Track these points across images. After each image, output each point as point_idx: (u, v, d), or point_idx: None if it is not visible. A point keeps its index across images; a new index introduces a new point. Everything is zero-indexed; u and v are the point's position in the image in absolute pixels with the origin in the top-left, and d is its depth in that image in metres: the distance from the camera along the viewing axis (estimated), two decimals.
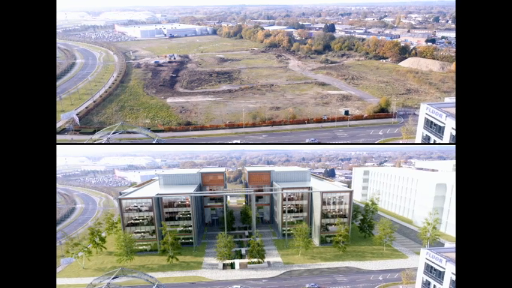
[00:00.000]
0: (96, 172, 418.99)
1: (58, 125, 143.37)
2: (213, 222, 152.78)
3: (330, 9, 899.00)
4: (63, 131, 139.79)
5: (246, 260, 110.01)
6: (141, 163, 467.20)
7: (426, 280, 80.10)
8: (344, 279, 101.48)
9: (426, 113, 78.23)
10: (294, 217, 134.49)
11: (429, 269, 79.23)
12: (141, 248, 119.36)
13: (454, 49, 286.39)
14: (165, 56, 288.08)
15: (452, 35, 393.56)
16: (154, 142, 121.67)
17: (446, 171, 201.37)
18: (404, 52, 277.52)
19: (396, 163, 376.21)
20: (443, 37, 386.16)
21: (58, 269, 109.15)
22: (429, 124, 77.92)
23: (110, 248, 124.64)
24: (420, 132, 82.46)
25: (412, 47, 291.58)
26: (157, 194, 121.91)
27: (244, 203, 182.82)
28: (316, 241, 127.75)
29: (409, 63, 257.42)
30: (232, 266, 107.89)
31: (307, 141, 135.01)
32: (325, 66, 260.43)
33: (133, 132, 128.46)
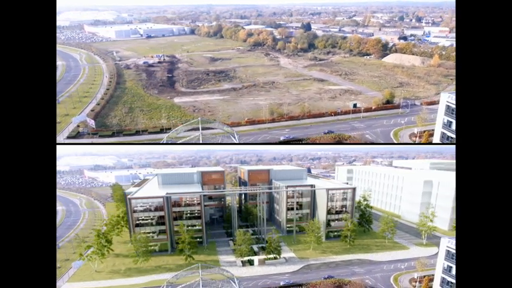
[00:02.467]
0: (61, 172, 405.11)
1: (70, 128, 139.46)
2: (213, 222, 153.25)
3: (297, 9, 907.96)
4: (78, 134, 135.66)
5: (263, 256, 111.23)
6: (107, 163, 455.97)
7: (447, 266, 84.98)
8: (361, 270, 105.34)
9: (447, 101, 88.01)
10: (295, 214, 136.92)
11: (450, 256, 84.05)
12: (149, 248, 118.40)
13: (430, 46, 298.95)
14: (152, 56, 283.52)
15: (419, 32, 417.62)
16: (236, 142, 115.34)
17: (422, 169, 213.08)
18: (385, 49, 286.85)
19: (366, 162, 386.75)
20: (412, 35, 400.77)
21: (70, 272, 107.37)
22: (450, 111, 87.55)
23: (115, 250, 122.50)
24: (441, 118, 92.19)
25: (391, 44, 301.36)
26: (167, 194, 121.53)
27: (237, 202, 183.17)
28: (322, 236, 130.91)
29: (392, 59, 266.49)
30: (250, 262, 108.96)
31: (281, 138, 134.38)
32: (316, 63, 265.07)
33: (210, 128, 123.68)
